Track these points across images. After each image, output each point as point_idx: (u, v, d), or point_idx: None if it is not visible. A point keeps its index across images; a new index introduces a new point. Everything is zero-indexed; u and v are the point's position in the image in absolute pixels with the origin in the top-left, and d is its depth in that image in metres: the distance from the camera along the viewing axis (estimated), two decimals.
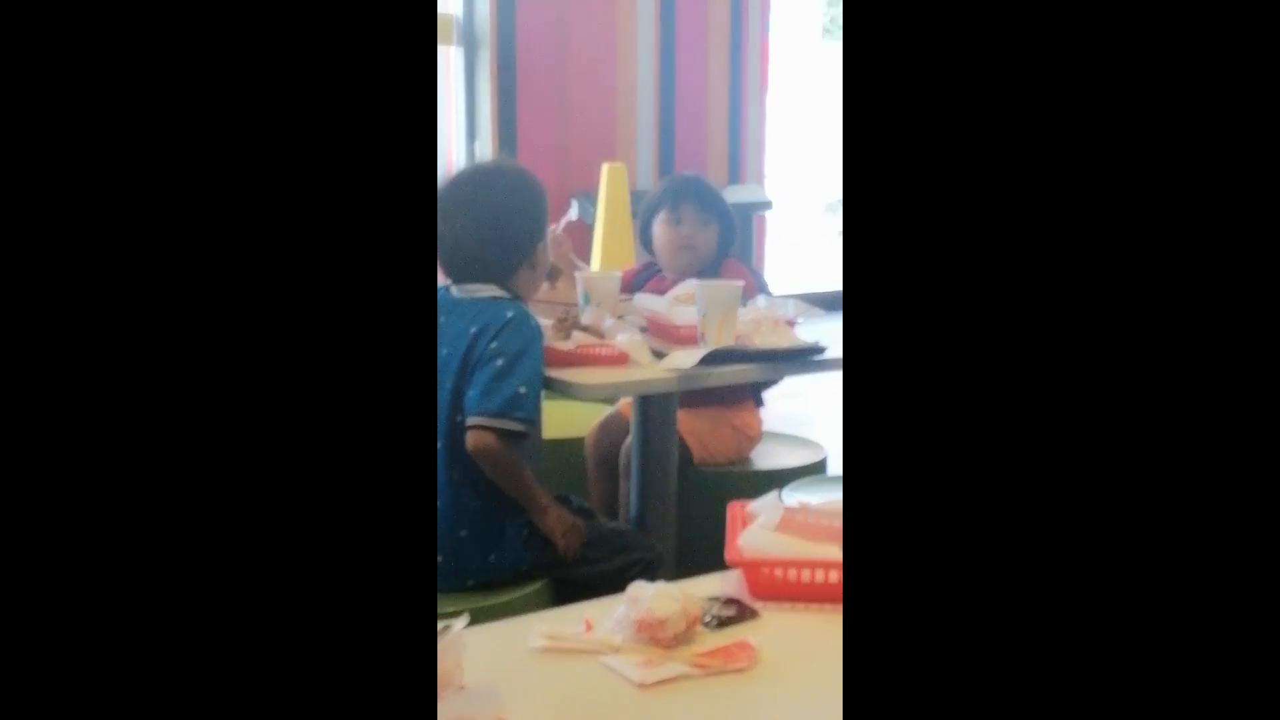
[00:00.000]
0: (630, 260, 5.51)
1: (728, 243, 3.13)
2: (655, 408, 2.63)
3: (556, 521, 2.30)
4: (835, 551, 1.46)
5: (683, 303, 2.69)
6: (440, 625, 1.13)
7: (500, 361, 2.21)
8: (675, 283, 2.98)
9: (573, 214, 5.53)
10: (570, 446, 3.16)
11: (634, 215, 5.71)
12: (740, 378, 2.64)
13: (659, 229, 3.10)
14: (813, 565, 1.44)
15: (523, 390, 2.21)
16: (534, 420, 2.25)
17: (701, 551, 2.38)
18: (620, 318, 2.76)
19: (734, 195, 5.82)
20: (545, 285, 2.69)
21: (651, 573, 2.33)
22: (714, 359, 2.46)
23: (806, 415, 4.87)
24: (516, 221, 2.38)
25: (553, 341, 2.52)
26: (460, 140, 6.42)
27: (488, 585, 2.27)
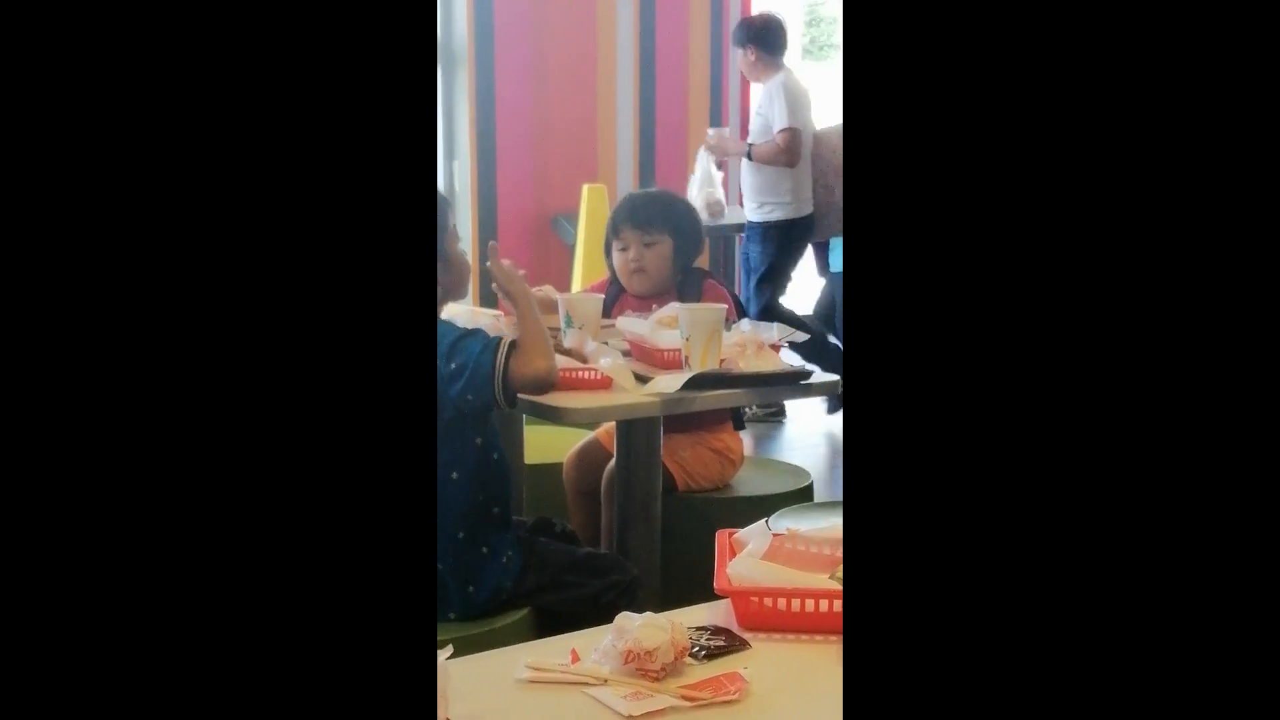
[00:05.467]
0: None
1: (686, 255, 3.09)
2: (638, 433, 2.61)
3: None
4: (825, 580, 1.45)
5: (666, 326, 2.67)
6: None
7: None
8: (645, 301, 2.97)
9: None
10: (552, 472, 3.13)
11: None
12: (725, 402, 2.62)
13: (613, 255, 3.10)
14: (803, 594, 1.43)
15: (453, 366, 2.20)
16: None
17: (686, 579, 2.36)
18: (604, 342, 2.74)
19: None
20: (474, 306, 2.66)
21: (630, 595, 2.32)
22: (698, 383, 2.44)
23: (790, 440, 4.86)
24: None
25: None
26: (439, 160, 6.40)
27: (472, 617, 2.25)
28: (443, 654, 1.16)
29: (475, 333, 2.24)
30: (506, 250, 2.49)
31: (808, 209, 5.10)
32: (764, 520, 1.59)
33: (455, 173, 6.40)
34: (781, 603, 1.43)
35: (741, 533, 1.58)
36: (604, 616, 1.37)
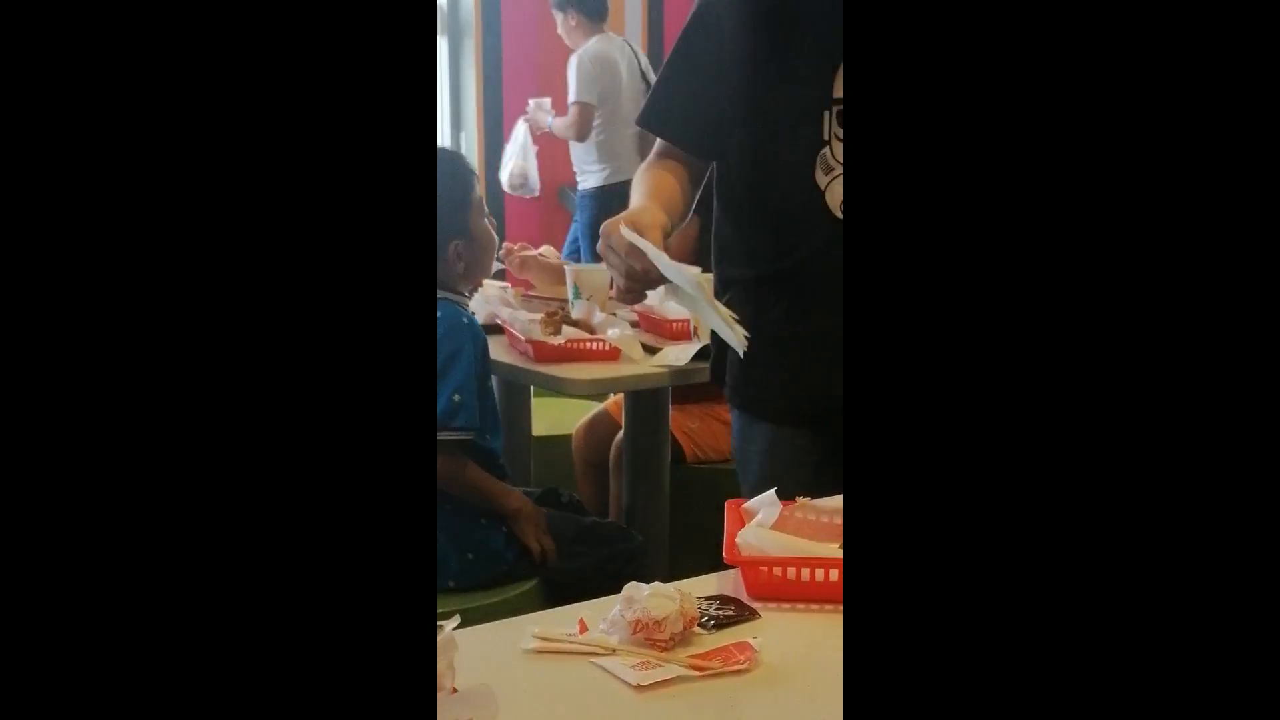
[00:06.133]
0: None
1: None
2: (646, 404, 2.61)
3: (528, 524, 2.29)
4: (835, 550, 1.44)
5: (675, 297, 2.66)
6: None
7: None
8: None
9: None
10: (561, 443, 3.13)
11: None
12: None
13: None
14: (812, 564, 1.42)
15: (457, 398, 2.18)
16: (474, 426, 2.21)
17: (695, 549, 2.36)
18: (612, 313, 2.74)
19: None
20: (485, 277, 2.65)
21: (635, 564, 2.33)
22: (708, 354, 2.42)
23: None
24: None
25: (542, 336, 2.50)
26: (445, 131, 6.39)
27: (472, 585, 2.25)
28: (449, 624, 1.16)
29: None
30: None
31: (624, 174, 5.13)
32: (773, 490, 1.58)
33: (462, 143, 6.39)
34: (791, 572, 1.42)
35: (751, 502, 1.58)
36: (610, 585, 1.36)
